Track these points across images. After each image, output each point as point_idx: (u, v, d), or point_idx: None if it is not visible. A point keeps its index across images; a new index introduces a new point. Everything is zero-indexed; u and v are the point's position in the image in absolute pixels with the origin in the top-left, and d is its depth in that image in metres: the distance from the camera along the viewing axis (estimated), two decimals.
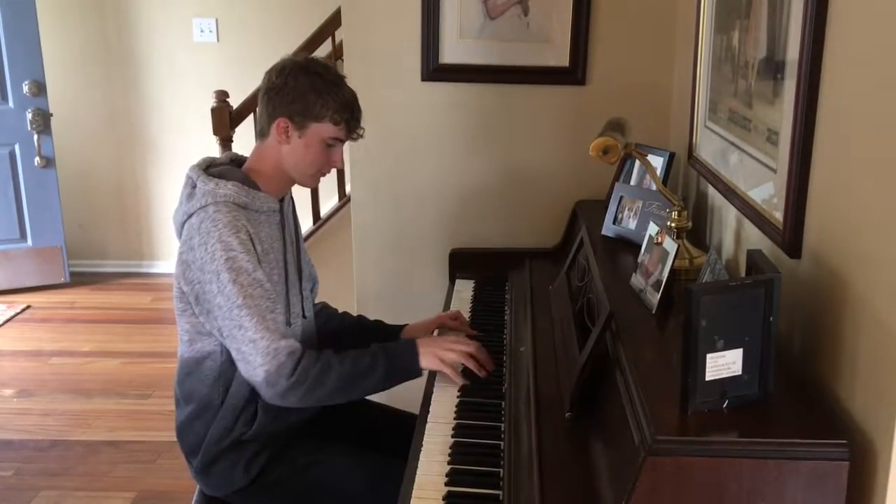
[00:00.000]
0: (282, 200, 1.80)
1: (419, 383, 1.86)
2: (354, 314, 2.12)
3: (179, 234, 1.72)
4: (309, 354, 1.66)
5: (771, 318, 1.14)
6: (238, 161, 1.83)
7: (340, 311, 2.10)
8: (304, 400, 1.65)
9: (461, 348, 1.76)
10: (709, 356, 1.12)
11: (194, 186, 1.70)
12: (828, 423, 1.13)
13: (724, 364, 1.14)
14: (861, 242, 1.14)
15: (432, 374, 1.87)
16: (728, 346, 1.13)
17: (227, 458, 1.75)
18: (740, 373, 1.15)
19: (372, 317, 2.11)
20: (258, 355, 1.60)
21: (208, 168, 1.76)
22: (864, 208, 1.14)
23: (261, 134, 1.77)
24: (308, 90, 1.69)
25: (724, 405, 1.15)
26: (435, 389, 1.77)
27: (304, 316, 1.85)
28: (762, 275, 1.18)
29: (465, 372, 1.77)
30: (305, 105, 1.69)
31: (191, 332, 1.74)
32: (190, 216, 1.68)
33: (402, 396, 1.95)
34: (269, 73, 1.74)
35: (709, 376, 1.13)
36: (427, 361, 1.73)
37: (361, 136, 1.80)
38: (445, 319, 2.05)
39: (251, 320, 1.60)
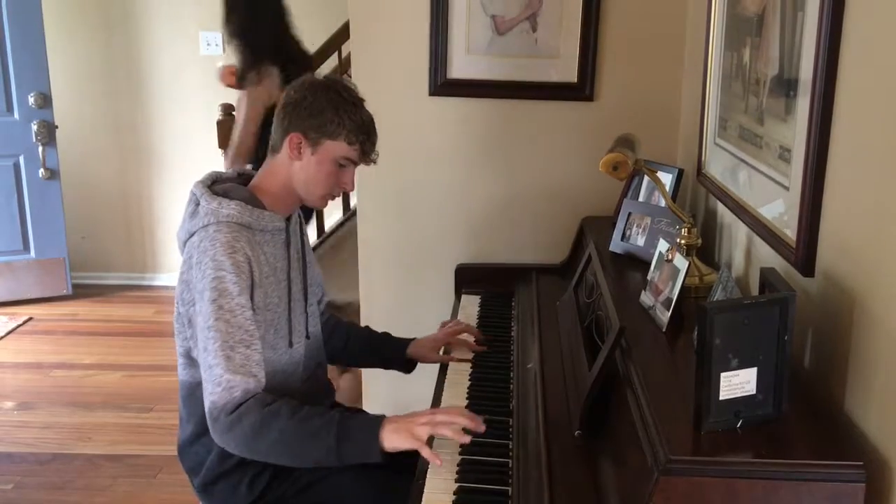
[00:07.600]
0: (288, 219, 1.77)
1: (426, 394, 1.85)
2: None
3: (182, 252, 1.70)
4: (262, 397, 1.53)
5: (786, 337, 1.13)
6: (245, 176, 1.80)
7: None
8: (242, 447, 1.52)
9: (439, 419, 1.51)
10: (723, 375, 1.11)
11: (198, 204, 1.67)
12: (843, 444, 1.11)
13: (738, 383, 1.12)
14: (876, 261, 1.13)
15: (439, 388, 1.85)
16: (742, 366, 1.12)
17: (229, 477, 1.72)
18: (754, 392, 1.13)
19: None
20: (210, 382, 1.53)
21: (213, 184, 1.73)
22: (879, 226, 1.12)
23: (273, 149, 1.74)
24: (326, 106, 1.66)
25: (738, 425, 1.13)
26: (442, 405, 1.75)
27: (307, 336, 1.81)
28: (777, 293, 1.17)
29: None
30: (321, 121, 1.66)
31: (185, 356, 1.71)
32: (192, 235, 1.65)
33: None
34: (288, 88, 1.72)
35: (723, 395, 1.11)
36: (395, 440, 1.48)
37: (374, 162, 1.76)
38: (451, 336, 2.04)
39: (215, 344, 1.54)
